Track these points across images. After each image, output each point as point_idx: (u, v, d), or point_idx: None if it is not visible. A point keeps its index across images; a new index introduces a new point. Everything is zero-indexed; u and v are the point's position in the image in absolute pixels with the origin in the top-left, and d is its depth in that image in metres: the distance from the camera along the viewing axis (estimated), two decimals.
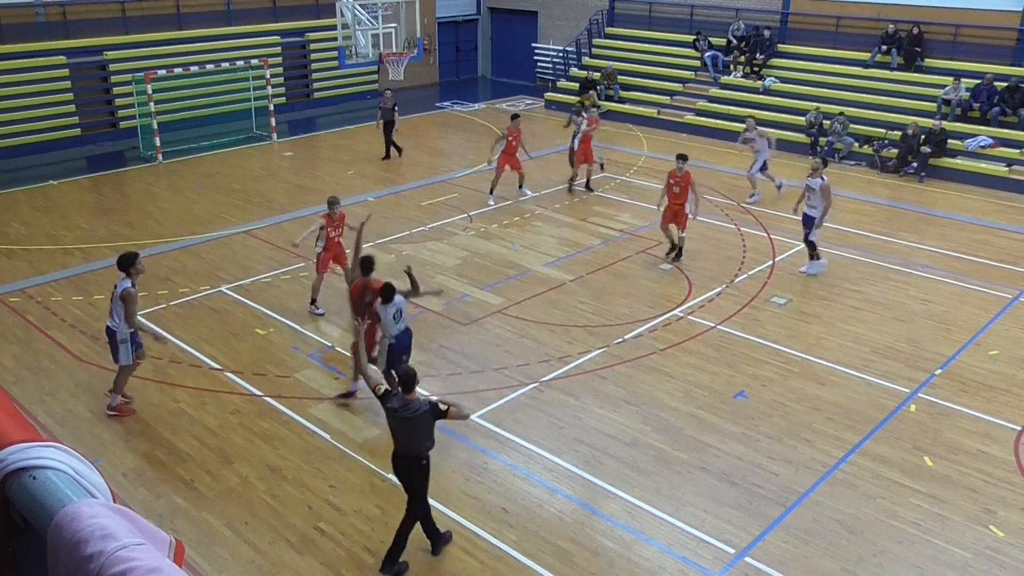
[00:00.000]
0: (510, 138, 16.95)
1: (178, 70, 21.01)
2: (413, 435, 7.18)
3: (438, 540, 7.64)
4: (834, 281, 13.55)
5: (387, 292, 9.36)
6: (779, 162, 20.34)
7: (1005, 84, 19.40)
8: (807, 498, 8.42)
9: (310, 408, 9.96)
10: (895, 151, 19.59)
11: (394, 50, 18.87)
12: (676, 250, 14.33)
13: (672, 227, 14.21)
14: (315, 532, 7.91)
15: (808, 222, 13.41)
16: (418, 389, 10.24)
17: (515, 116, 17.34)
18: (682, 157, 13.96)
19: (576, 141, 17.59)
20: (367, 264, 9.86)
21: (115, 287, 9.33)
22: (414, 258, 14.42)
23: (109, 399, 9.78)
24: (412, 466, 7.31)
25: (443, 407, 7.20)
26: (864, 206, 17.42)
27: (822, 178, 13.12)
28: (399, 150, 20.50)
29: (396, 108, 20.08)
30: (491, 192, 17.26)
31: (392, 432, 7.32)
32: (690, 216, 14.06)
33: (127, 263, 9.33)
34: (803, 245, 13.84)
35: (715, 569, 7.49)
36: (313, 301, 12.44)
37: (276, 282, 13.44)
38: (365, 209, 16.59)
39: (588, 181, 18.12)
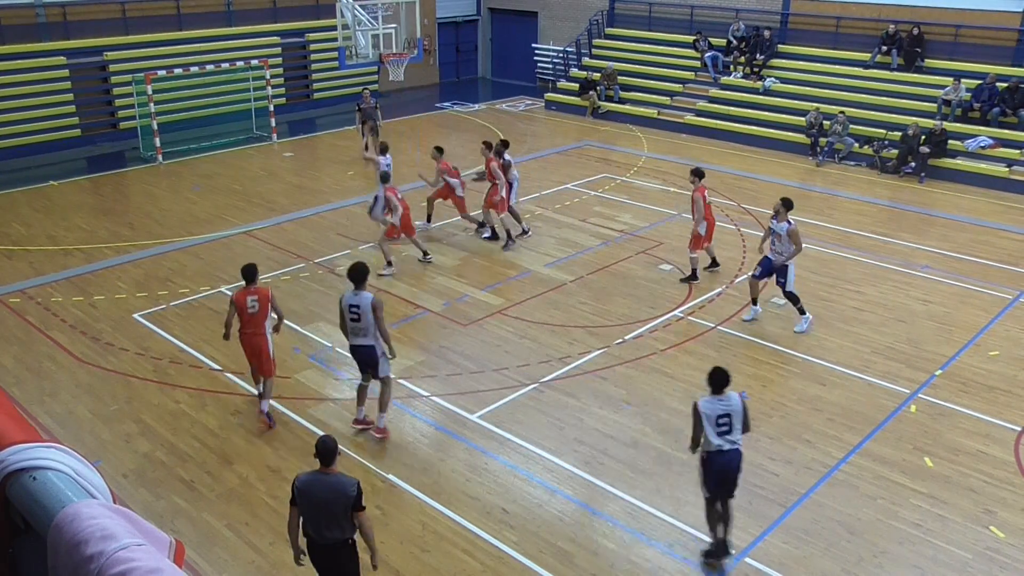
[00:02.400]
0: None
1: (178, 71, 21.03)
2: (332, 515, 6.16)
3: None
4: (834, 282, 13.55)
5: (719, 379, 7.30)
6: (779, 162, 20.39)
7: (1005, 84, 19.41)
8: (807, 499, 8.42)
9: (310, 409, 9.96)
10: (895, 151, 19.59)
11: (394, 51, 18.88)
12: (712, 263, 13.61)
13: (708, 247, 13.41)
14: None
15: (782, 271, 11.74)
16: (418, 389, 10.29)
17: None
18: (694, 172, 13.04)
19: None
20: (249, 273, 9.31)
21: (351, 300, 8.80)
22: (415, 259, 14.42)
23: (378, 421, 9.30)
24: (337, 552, 6.32)
25: (363, 504, 6.22)
26: (864, 206, 17.42)
27: (788, 222, 11.44)
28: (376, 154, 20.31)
29: (378, 107, 19.99)
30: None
31: (305, 516, 6.25)
32: (700, 234, 13.05)
33: (361, 276, 8.85)
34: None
35: (715, 570, 7.48)
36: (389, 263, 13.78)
37: (276, 283, 13.42)
38: (365, 209, 16.60)
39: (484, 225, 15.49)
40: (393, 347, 9.23)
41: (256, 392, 9.88)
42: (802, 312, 11.89)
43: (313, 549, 6.37)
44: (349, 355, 11.19)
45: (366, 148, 20.10)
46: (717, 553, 7.55)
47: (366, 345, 9.02)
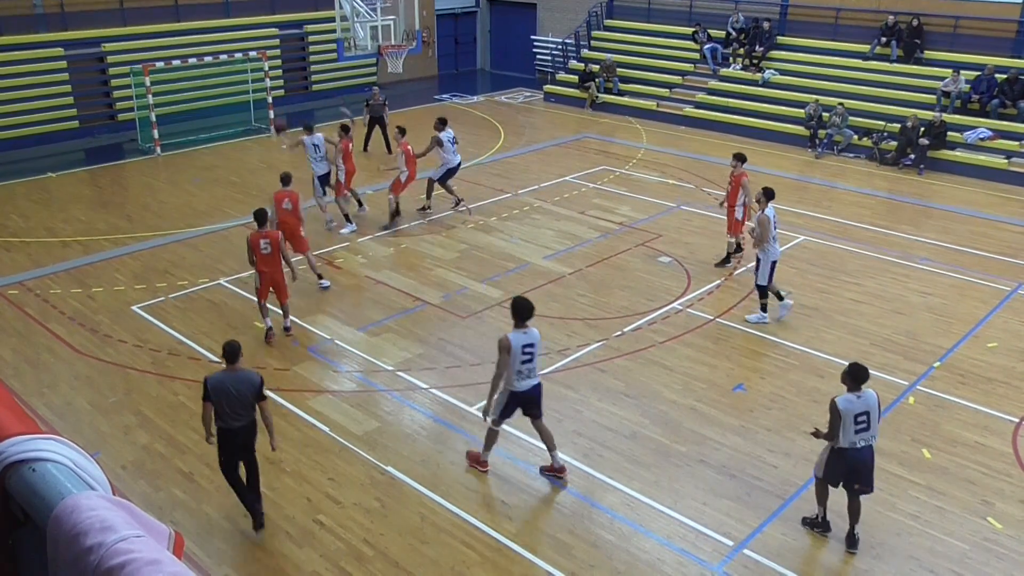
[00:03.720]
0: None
1: (176, 62, 20.95)
2: (242, 405, 7.35)
3: (261, 515, 7.83)
4: (833, 274, 13.55)
5: (860, 375, 7.32)
6: (778, 154, 20.37)
7: (1004, 76, 19.39)
8: (806, 490, 8.42)
9: (309, 401, 9.96)
10: (894, 143, 19.58)
11: (393, 42, 18.82)
12: (726, 257, 13.79)
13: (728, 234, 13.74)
14: (314, 525, 7.92)
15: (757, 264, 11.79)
16: (417, 381, 10.30)
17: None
18: (736, 156, 13.24)
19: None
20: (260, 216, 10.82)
21: (524, 340, 8.08)
22: (413, 251, 14.41)
23: (556, 460, 8.54)
24: (245, 432, 7.48)
25: (265, 392, 7.47)
26: (863, 198, 17.42)
27: (763, 210, 11.45)
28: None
29: (386, 104, 19.98)
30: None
31: (219, 407, 7.33)
32: (739, 220, 13.36)
33: (529, 311, 8.18)
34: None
35: (714, 561, 7.50)
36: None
37: None
38: (363, 202, 16.58)
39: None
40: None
41: (267, 325, 11.34)
42: (763, 308, 11.79)
43: (226, 435, 7.46)
44: (350, 348, 11.28)
45: (365, 145, 20.07)
46: (823, 526, 7.74)
47: (537, 383, 8.27)
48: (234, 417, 7.38)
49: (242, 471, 7.73)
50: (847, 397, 7.24)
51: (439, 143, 15.47)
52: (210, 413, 7.42)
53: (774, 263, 11.53)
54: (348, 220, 15.30)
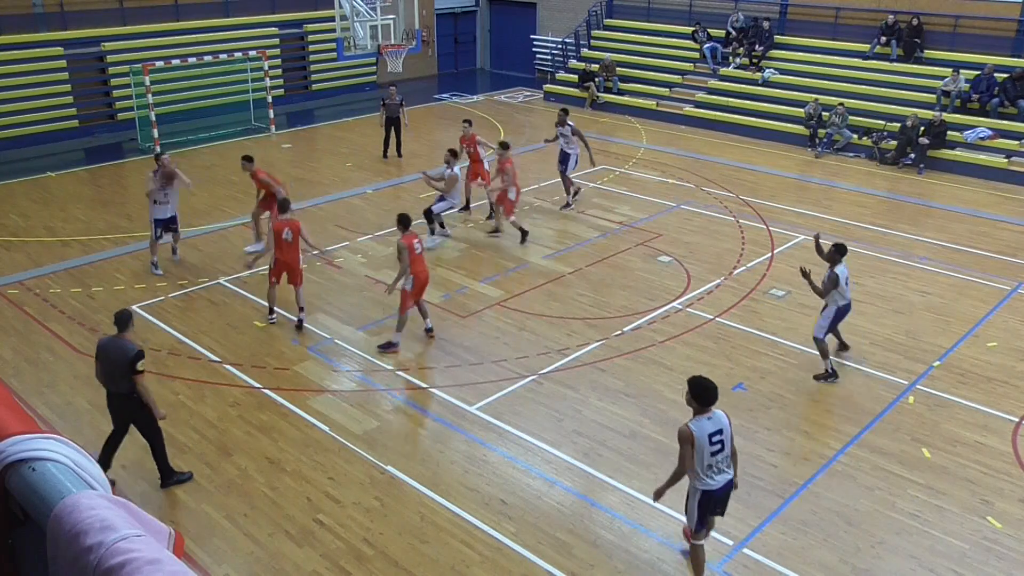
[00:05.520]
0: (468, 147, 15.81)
1: (176, 62, 20.93)
2: (114, 371, 7.77)
3: (169, 476, 8.41)
4: None
5: (845, 250, 10.11)
6: (778, 153, 20.37)
7: (1005, 75, 19.38)
8: (805, 490, 8.44)
9: (309, 400, 9.97)
10: (894, 143, 19.58)
11: (392, 42, 18.83)
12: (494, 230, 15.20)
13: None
14: (314, 524, 7.92)
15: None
16: (417, 381, 10.29)
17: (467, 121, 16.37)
18: (501, 144, 14.73)
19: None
20: (403, 221, 11.06)
21: (709, 429, 6.65)
22: None
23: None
24: (124, 402, 7.95)
25: (140, 368, 7.72)
26: (863, 198, 17.41)
27: (452, 169, 14.18)
28: (399, 152, 19.86)
29: (403, 104, 19.58)
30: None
31: (102, 370, 7.90)
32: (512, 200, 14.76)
33: (714, 394, 6.69)
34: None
35: (713, 561, 7.50)
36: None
37: None
38: (363, 201, 16.60)
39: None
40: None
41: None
42: (432, 232, 14.57)
43: (108, 398, 8.03)
44: (350, 347, 11.28)
45: (385, 150, 19.78)
46: (833, 375, 10.35)
47: (731, 479, 6.85)
48: (109, 381, 7.91)
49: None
50: (840, 269, 9.91)
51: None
52: (98, 372, 8.02)
53: (453, 206, 14.68)
54: (259, 239, 14.14)
